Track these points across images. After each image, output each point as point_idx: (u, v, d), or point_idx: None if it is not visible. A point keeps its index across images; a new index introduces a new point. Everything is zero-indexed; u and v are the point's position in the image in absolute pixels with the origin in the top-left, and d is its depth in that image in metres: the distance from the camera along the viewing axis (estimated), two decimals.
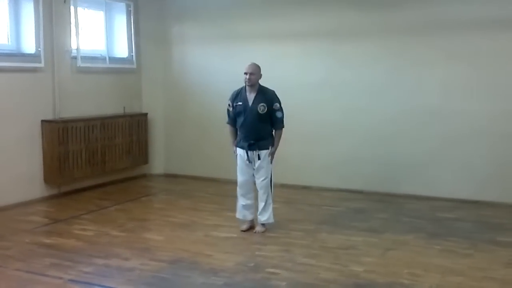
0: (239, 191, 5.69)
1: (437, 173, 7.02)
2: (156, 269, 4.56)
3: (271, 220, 5.62)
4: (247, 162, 5.57)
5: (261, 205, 5.60)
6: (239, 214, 5.73)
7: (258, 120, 5.49)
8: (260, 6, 7.84)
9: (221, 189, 7.54)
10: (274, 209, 5.67)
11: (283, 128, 5.63)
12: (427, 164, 7.07)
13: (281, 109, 5.55)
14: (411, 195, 7.07)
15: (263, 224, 5.61)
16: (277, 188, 7.53)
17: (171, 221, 6.07)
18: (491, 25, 6.64)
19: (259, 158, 5.52)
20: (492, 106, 6.72)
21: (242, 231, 5.63)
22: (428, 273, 4.47)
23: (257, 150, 5.51)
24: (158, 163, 8.71)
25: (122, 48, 8.35)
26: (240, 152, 5.61)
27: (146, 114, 8.44)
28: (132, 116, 8.20)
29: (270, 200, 5.60)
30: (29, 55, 6.82)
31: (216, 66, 8.13)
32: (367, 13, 7.25)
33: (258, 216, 5.62)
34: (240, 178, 5.66)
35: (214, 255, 4.91)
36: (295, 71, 7.68)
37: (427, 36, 6.96)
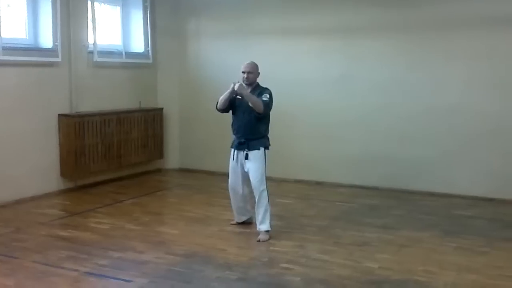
0: (229, 192, 5.61)
1: (453, 170, 6.97)
2: (170, 263, 4.59)
3: (270, 228, 5.30)
4: (236, 164, 5.41)
5: (259, 211, 5.31)
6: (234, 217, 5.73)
7: (249, 117, 5.26)
8: (276, 2, 7.82)
9: None
10: (272, 215, 5.40)
11: (263, 110, 5.17)
12: (443, 161, 7.01)
13: (268, 99, 5.21)
14: (427, 192, 7.03)
15: (266, 231, 5.29)
16: (291, 184, 7.57)
17: (186, 215, 6.10)
18: (511, 21, 6.56)
19: (246, 158, 5.30)
20: (509, 103, 6.64)
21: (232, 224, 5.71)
22: (443, 271, 4.44)
23: (246, 150, 5.30)
24: (173, 158, 8.75)
25: (138, 43, 8.39)
26: (231, 151, 5.45)
27: (161, 109, 8.48)
28: (147, 110, 8.24)
29: (267, 207, 5.29)
30: (47, 49, 6.88)
31: (231, 61, 8.10)
32: (385, 10, 7.20)
33: (259, 226, 5.32)
34: (229, 180, 5.54)
35: (228, 250, 4.93)
36: (310, 67, 7.65)
37: (446, 33, 6.90)
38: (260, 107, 5.16)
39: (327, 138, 7.64)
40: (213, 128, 8.36)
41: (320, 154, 7.68)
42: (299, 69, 7.66)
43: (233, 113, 5.49)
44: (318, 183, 7.66)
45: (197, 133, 8.56)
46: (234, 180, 5.50)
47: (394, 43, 7.23)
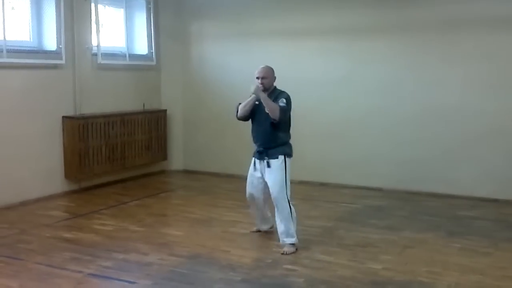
0: (248, 201, 5.34)
1: (456, 171, 6.96)
2: (174, 264, 4.60)
3: (296, 241, 4.96)
4: (254, 173, 5.14)
5: (281, 223, 4.96)
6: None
7: (267, 124, 4.96)
8: (278, 3, 7.83)
9: (240, 185, 7.49)
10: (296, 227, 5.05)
11: (279, 116, 4.84)
12: (446, 162, 7.01)
13: (286, 104, 4.91)
14: (431, 193, 7.02)
15: (291, 244, 4.94)
16: (295, 185, 7.49)
17: (190, 217, 6.11)
18: (511, 22, 6.56)
19: (268, 166, 4.98)
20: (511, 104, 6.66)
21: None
22: (446, 272, 4.44)
23: (267, 159, 4.99)
24: (177, 159, 8.77)
25: (142, 45, 8.41)
26: (252, 160, 5.18)
27: (165, 111, 8.50)
28: (151, 112, 8.26)
29: (290, 218, 4.95)
30: (51, 52, 6.90)
31: (234, 63, 8.15)
32: (385, 10, 7.21)
33: (283, 238, 4.97)
34: (247, 190, 5.26)
35: (231, 251, 4.93)
36: (313, 68, 7.66)
37: (446, 33, 6.91)
38: (276, 113, 4.83)
39: (330, 139, 7.64)
40: (216, 129, 8.38)
41: (324, 156, 7.68)
42: (301, 71, 7.66)
43: (252, 121, 5.17)
44: (322, 184, 7.66)
45: (200, 134, 8.58)
46: (251, 189, 5.21)
47: (396, 44, 7.23)
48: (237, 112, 5.16)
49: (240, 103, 5.15)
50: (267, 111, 4.90)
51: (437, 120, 7.03)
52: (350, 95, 7.49)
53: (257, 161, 5.11)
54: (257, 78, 5.00)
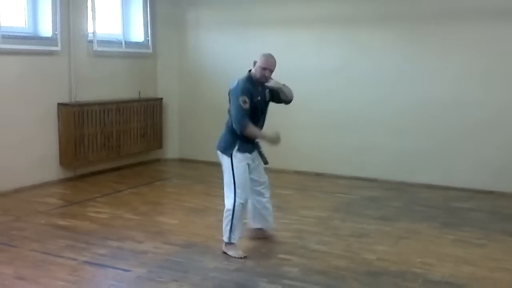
0: (241, 208, 4.60)
1: (452, 163, 6.97)
2: (169, 253, 4.60)
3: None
4: (249, 170, 4.64)
5: (270, 209, 4.87)
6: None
7: (264, 116, 4.74)
8: None
9: None
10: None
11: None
12: (442, 153, 7.02)
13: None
14: (426, 184, 7.03)
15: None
16: (290, 175, 7.58)
17: (185, 205, 6.11)
18: (509, 14, 6.54)
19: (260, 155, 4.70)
20: (508, 96, 6.63)
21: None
22: (440, 263, 4.46)
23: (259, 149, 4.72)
24: (172, 148, 8.75)
25: (138, 33, 8.35)
26: (245, 159, 4.62)
27: (161, 99, 8.47)
28: (147, 100, 8.23)
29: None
30: (46, 38, 6.85)
31: (231, 52, 8.11)
32: (384, 1, 7.18)
33: (270, 224, 4.94)
34: (243, 195, 4.58)
35: None
36: (310, 58, 7.63)
37: (444, 24, 6.88)
38: (292, 94, 4.72)
39: (326, 129, 7.63)
40: (212, 118, 8.32)
41: (320, 145, 7.68)
42: (298, 60, 7.63)
43: (251, 119, 4.57)
44: (318, 174, 7.66)
45: (196, 123, 8.56)
46: (247, 192, 4.66)
47: (394, 34, 7.21)
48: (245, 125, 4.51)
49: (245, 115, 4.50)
50: (284, 97, 4.67)
51: (433, 111, 7.03)
52: (347, 85, 7.47)
53: (252, 154, 4.66)
54: (264, 69, 4.52)
